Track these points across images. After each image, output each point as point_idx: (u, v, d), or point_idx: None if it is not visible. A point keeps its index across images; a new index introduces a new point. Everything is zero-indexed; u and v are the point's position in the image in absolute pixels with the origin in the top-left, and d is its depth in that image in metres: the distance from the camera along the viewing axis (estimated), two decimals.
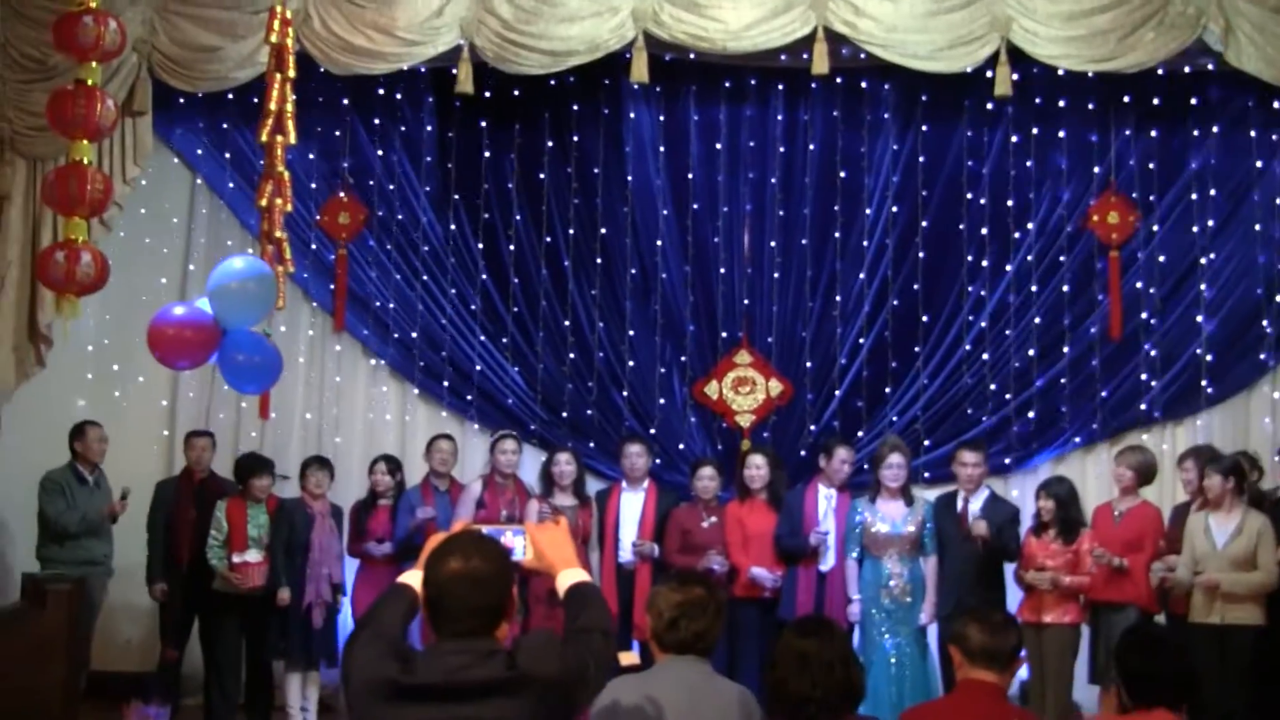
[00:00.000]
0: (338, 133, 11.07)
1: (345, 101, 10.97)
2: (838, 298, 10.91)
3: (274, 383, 9.13)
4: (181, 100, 10.57)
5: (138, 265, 10.77)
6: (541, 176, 11.09)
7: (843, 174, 10.94)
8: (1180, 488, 9.31)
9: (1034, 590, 8.72)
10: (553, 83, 10.69)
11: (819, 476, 9.51)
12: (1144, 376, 10.64)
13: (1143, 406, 10.64)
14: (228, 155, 11.04)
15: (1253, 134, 10.55)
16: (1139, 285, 10.70)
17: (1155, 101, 10.66)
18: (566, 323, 11.01)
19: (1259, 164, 10.55)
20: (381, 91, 10.95)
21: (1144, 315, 10.67)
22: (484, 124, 11.09)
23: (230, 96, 10.54)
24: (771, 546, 9.26)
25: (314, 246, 11.02)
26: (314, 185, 11.05)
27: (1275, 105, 9.92)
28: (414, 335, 11.01)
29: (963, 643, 4.50)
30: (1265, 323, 10.47)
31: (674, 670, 4.36)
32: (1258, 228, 10.52)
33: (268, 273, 8.79)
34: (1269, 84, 9.60)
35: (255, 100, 9.49)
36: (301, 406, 11.11)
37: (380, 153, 11.12)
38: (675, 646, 4.43)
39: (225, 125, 11.00)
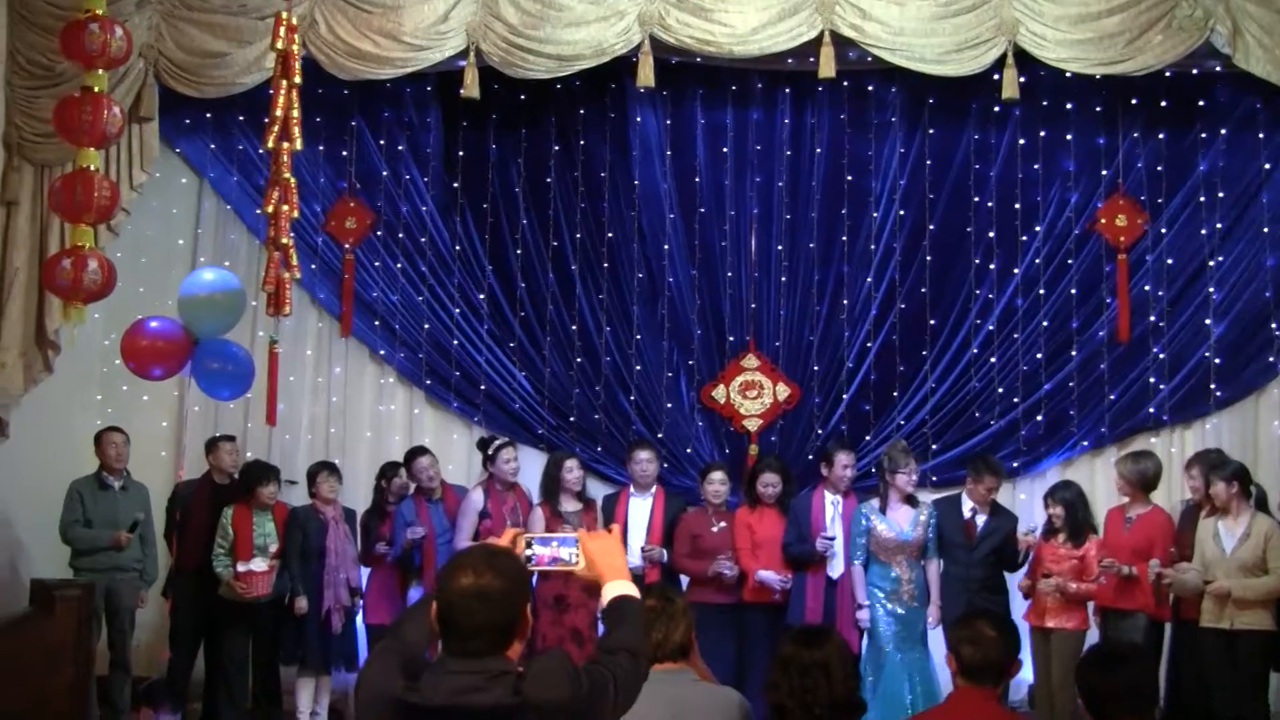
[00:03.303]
0: (344, 137, 11.09)
1: (352, 106, 10.98)
2: (845, 301, 10.90)
3: (248, 389, 9.28)
4: (188, 106, 10.56)
5: (144, 270, 10.76)
6: (548, 181, 11.10)
7: (849, 177, 10.92)
8: (1189, 492, 9.29)
9: (1039, 595, 8.73)
10: (559, 87, 10.70)
11: (823, 483, 9.49)
12: (1152, 379, 10.61)
13: (1151, 410, 10.61)
14: (234, 160, 11.05)
15: (1261, 136, 10.51)
16: (1147, 288, 10.67)
17: (1163, 104, 10.63)
18: (573, 327, 11.01)
19: (1267, 166, 10.50)
20: (388, 96, 10.95)
21: (1152, 318, 10.64)
22: (490, 128, 11.08)
23: (237, 102, 10.55)
24: (780, 553, 9.26)
25: (320, 251, 11.02)
26: (320, 190, 11.05)
27: None
28: (421, 340, 11.02)
29: (957, 655, 4.51)
30: (1274, 325, 10.42)
31: (654, 684, 4.31)
32: (1266, 230, 10.46)
33: (235, 285, 9.00)
34: (1277, 86, 9.56)
35: (262, 105, 9.50)
36: (309, 412, 11.13)
37: (387, 157, 11.13)
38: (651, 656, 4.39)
39: (232, 131, 11.01)
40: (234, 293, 9.25)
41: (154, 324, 9.15)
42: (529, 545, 3.71)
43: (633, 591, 3.67)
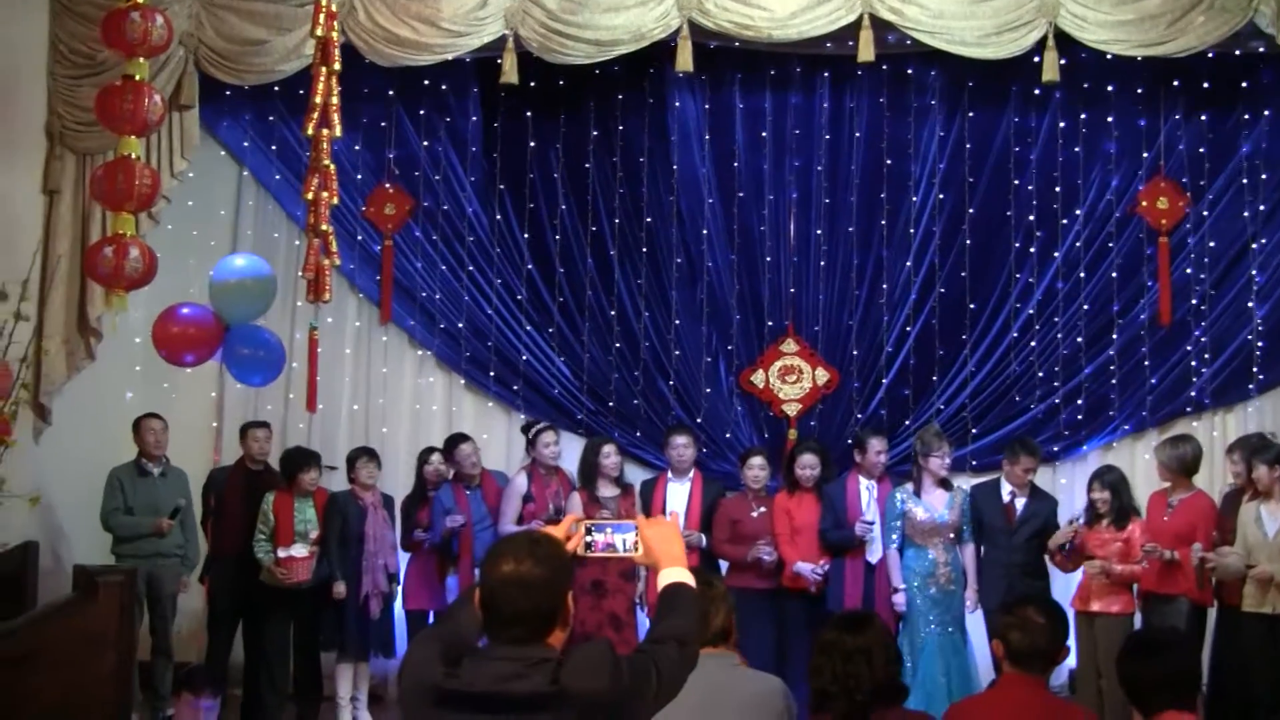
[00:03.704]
0: (383, 124, 11.10)
1: (390, 92, 11.00)
2: (884, 285, 10.87)
3: (279, 374, 9.50)
4: (228, 93, 10.58)
5: (185, 257, 10.79)
6: (587, 166, 11.09)
7: (889, 161, 10.88)
8: (1231, 477, 9.23)
9: (1086, 579, 8.72)
10: (597, 72, 10.69)
11: (856, 469, 9.48)
12: (1194, 363, 10.56)
13: (1192, 393, 10.57)
14: (274, 147, 11.09)
15: None
16: (1189, 271, 10.61)
17: (1205, 85, 10.55)
18: (612, 312, 11.01)
19: None
20: (427, 82, 10.94)
21: (1194, 301, 10.58)
22: (529, 114, 11.08)
23: (276, 89, 10.59)
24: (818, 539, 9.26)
25: (360, 238, 11.05)
26: (359, 176, 11.09)
27: None
28: (460, 326, 11.04)
29: (1005, 642, 4.50)
30: None
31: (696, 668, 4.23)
32: None
33: (267, 271, 9.05)
34: None
35: (301, 92, 9.51)
36: (349, 398, 11.16)
37: (426, 143, 11.13)
38: None
39: (271, 118, 11.05)
40: (265, 279, 9.30)
41: (185, 310, 9.20)
42: (588, 532, 3.70)
43: (688, 579, 3.63)
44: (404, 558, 9.86)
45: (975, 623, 9.02)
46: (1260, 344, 10.45)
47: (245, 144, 11.14)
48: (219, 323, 9.15)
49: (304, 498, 9.51)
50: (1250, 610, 8.18)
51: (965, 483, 9.79)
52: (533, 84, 10.53)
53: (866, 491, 9.33)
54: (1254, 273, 10.51)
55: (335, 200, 9.14)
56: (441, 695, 3.22)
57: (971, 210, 10.81)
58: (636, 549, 3.71)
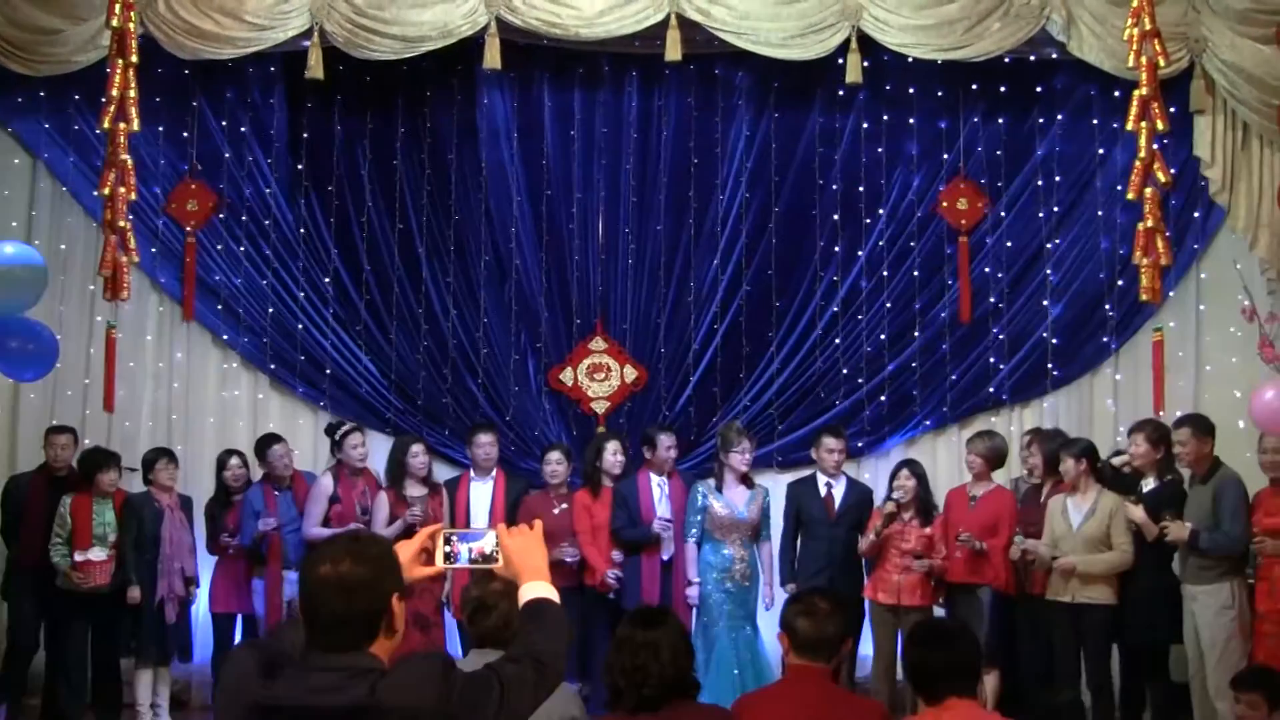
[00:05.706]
0: (186, 118, 10.85)
1: (193, 86, 10.76)
2: (692, 284, 10.95)
3: (51, 369, 9.16)
4: (21, 84, 10.28)
5: None
6: (394, 163, 10.99)
7: (696, 160, 10.97)
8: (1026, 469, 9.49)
9: (883, 572, 8.94)
10: (405, 68, 10.59)
11: (647, 465, 9.56)
12: (992, 360, 10.82)
13: (991, 389, 10.83)
14: (71, 141, 10.75)
15: (1095, 122, 10.72)
16: (987, 270, 10.88)
17: (1003, 90, 10.84)
18: (420, 310, 10.92)
19: (1101, 151, 10.72)
20: (231, 76, 10.75)
21: (992, 300, 10.84)
22: (336, 110, 10.94)
23: (73, 80, 10.29)
24: None
25: (162, 234, 10.79)
26: (161, 171, 10.82)
27: (1116, 94, 10.08)
28: (265, 324, 10.85)
29: (791, 633, 4.54)
30: (1108, 306, 10.66)
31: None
32: (1100, 214, 10.68)
33: (38, 260, 8.70)
34: (1110, 73, 9.82)
35: (100, 84, 9.27)
36: (150, 398, 10.87)
37: (230, 139, 10.92)
38: (476, 640, 4.61)
39: (68, 109, 10.71)
40: (35, 269, 8.90)
41: None
42: (447, 541, 3.55)
43: (552, 594, 3.45)
44: (207, 560, 9.67)
45: (769, 620, 9.10)
46: (1055, 341, 10.75)
47: (40, 137, 10.79)
48: None
49: (103, 499, 9.26)
50: (1053, 599, 8.46)
51: (771, 479, 9.93)
52: (340, 79, 10.39)
53: (658, 488, 9.43)
54: (1049, 272, 10.80)
55: (133, 196, 8.96)
56: (255, 710, 3.03)
57: (777, 209, 10.96)
58: (496, 559, 3.55)
